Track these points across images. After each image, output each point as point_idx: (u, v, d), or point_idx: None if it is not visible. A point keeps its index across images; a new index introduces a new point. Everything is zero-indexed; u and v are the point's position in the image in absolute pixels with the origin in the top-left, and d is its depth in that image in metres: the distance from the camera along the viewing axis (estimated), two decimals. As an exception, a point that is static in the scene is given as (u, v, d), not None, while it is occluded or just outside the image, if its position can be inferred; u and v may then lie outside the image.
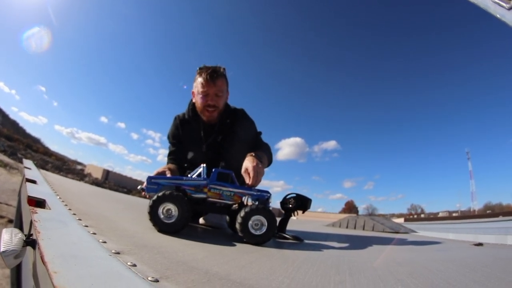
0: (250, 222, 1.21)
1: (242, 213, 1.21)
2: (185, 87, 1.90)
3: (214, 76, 1.66)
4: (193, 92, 1.81)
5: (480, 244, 1.89)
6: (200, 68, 1.73)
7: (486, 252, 1.61)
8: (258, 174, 1.39)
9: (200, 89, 1.69)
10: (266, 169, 1.80)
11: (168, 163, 1.91)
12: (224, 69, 1.75)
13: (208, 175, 1.30)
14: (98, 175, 22.17)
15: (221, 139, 1.83)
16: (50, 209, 1.00)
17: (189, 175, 1.32)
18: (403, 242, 2.02)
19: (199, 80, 1.69)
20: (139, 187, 1.32)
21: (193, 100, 1.83)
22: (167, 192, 1.17)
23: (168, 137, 1.97)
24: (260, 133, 1.97)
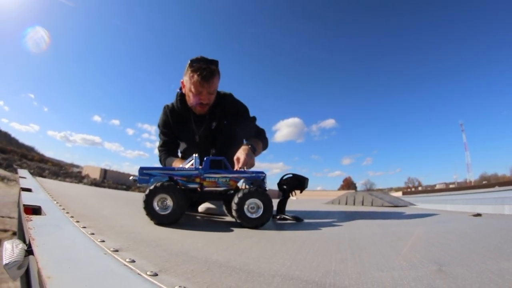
0: (246, 206, 1.21)
1: (236, 199, 1.20)
2: (178, 90, 1.83)
3: (208, 78, 1.61)
4: (182, 82, 1.74)
5: (478, 215, 1.91)
6: (192, 63, 1.62)
7: (485, 222, 1.62)
8: (247, 164, 1.44)
9: (193, 89, 1.64)
10: (263, 152, 1.95)
11: (161, 156, 1.87)
12: (217, 64, 1.67)
13: (201, 164, 1.29)
14: (96, 175, 21.96)
15: (215, 126, 1.82)
16: (45, 215, 0.99)
17: (181, 165, 1.31)
18: (402, 215, 2.05)
19: (193, 79, 1.61)
20: (131, 177, 1.30)
21: (183, 91, 1.78)
22: (158, 184, 1.16)
23: (159, 126, 1.92)
24: (254, 118, 1.96)
